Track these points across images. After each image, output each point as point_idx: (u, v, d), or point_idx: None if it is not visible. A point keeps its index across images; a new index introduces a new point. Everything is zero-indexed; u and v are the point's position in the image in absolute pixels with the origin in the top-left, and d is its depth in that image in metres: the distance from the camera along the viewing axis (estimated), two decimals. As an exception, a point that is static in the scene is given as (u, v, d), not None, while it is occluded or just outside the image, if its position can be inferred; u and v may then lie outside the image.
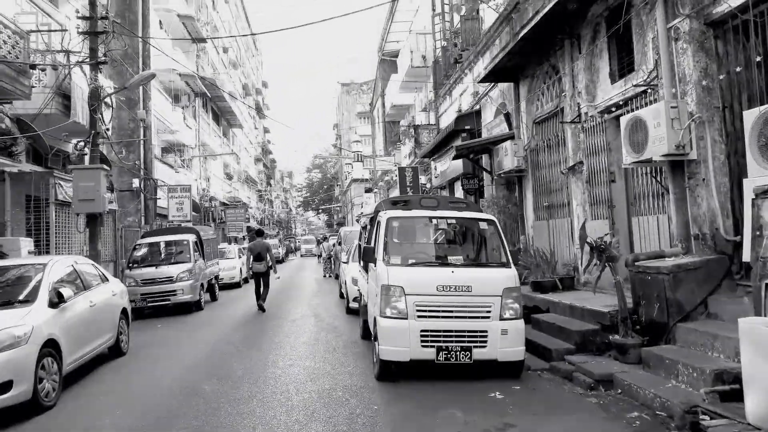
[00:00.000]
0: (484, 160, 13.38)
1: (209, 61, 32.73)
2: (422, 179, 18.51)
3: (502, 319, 5.90)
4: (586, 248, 6.50)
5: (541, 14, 8.82)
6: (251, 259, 12.57)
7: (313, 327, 10.18)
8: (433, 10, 19.64)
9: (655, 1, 6.53)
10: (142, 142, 19.43)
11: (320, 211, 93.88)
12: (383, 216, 6.66)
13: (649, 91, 6.79)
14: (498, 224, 6.73)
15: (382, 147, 31.76)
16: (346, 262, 12.55)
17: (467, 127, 13.92)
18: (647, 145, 6.30)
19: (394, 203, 7.30)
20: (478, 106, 13.83)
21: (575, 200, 8.99)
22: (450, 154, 12.08)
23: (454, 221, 6.69)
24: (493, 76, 11.46)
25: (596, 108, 8.52)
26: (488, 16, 13.40)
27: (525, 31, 9.92)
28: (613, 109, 7.75)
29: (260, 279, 12.57)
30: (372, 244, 7.01)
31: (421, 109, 23.98)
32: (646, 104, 6.99)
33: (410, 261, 6.32)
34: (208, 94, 30.39)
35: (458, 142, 13.57)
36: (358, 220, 35.83)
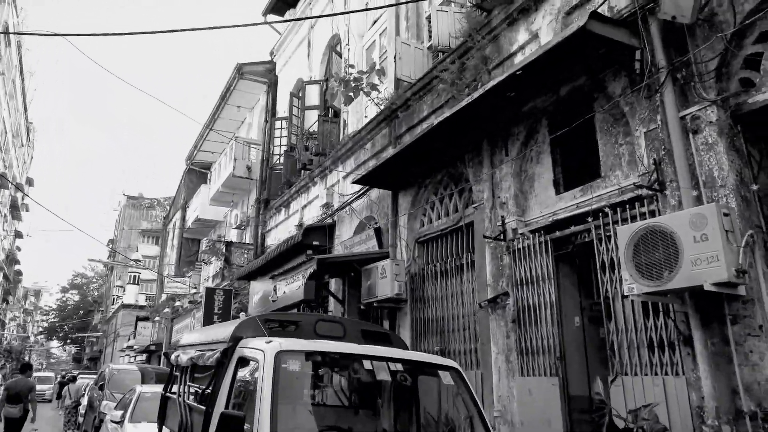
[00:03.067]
0: (334, 285, 10.53)
1: (-44, 130, 25.39)
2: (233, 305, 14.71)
3: None
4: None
5: (445, 114, 6.99)
6: (4, 402, 10.19)
7: None
8: (271, 115, 17.52)
9: (658, 83, 4.95)
10: None
11: (69, 341, 77.66)
12: (265, 350, 3.29)
13: (644, 196, 4.93)
14: (464, 376, 3.79)
15: (174, 267, 26.75)
16: (119, 423, 7.97)
17: (315, 243, 11.11)
18: (678, 268, 4.21)
19: (270, 324, 3.99)
20: (330, 219, 11.25)
21: (495, 346, 6.52)
22: (298, 272, 9.05)
23: (401, 368, 3.55)
24: (367, 181, 9.14)
25: (527, 225, 6.54)
26: (353, 118, 11.50)
27: (419, 131, 8.07)
28: (558, 227, 5.76)
29: (12, 427, 10.14)
30: (228, 407, 3.42)
31: (236, 226, 20.58)
32: (631, 219, 5.12)
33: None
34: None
35: (299, 260, 10.60)
36: (143, 355, 28.32)
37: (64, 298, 77.04)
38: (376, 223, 9.95)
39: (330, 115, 12.72)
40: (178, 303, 20.75)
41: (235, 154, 19.90)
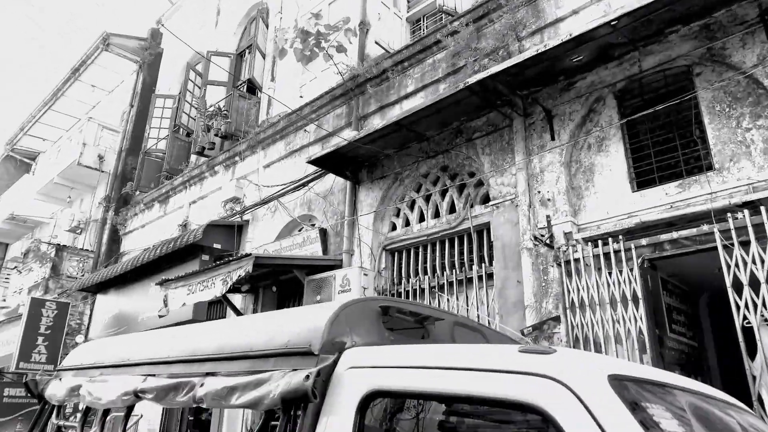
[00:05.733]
0: (240, 303, 7.89)
1: None
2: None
3: None
4: None
5: (481, 76, 5.44)
6: None
7: None
8: (148, 92, 14.30)
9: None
10: None
11: None
12: (566, 377, 1.08)
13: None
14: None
15: (-34, 275, 20.52)
16: None
17: (216, 246, 8.37)
18: None
19: (389, 319, 1.73)
20: (240, 218, 8.63)
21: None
22: (213, 276, 6.28)
23: None
24: (325, 163, 6.94)
25: (581, 229, 4.96)
26: (284, 95, 9.14)
27: (397, 110, 6.35)
28: (642, 232, 4.26)
29: None
30: None
31: (70, 228, 16.30)
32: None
33: None
34: None
35: (186, 266, 7.76)
36: None
37: None
38: (312, 221, 7.69)
39: (244, 91, 10.23)
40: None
41: (84, 138, 15.97)
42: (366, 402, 1.45)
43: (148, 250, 9.38)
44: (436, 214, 6.31)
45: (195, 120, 11.36)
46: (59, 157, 17.44)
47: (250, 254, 5.71)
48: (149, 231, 11.28)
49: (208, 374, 1.94)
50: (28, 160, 22.78)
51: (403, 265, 6.44)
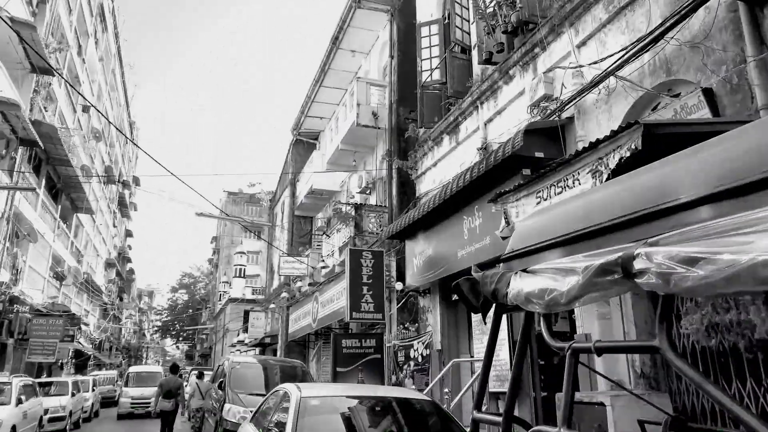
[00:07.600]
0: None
1: (57, 110, 23.74)
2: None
3: None
4: None
5: None
6: (160, 396, 11.52)
7: None
8: (403, 28, 13.56)
9: None
10: None
11: (181, 338, 79.30)
12: None
13: None
14: None
15: (287, 248, 23.65)
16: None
17: (538, 155, 6.85)
18: None
19: None
20: (560, 116, 6.91)
21: None
22: (578, 168, 4.80)
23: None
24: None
25: None
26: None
27: None
28: None
29: (167, 418, 11.54)
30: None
31: (360, 190, 16.93)
32: None
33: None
34: (42, 147, 20.75)
35: (507, 183, 6.30)
36: (255, 349, 25.57)
37: (174, 298, 78.68)
38: (677, 94, 5.49)
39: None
40: (298, 284, 17.37)
41: (357, 98, 16.22)
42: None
43: (448, 184, 8.39)
44: None
45: (469, 34, 10.01)
46: (339, 126, 18.26)
47: (636, 122, 3.91)
48: (442, 168, 10.42)
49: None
50: (312, 141, 24.94)
51: None
